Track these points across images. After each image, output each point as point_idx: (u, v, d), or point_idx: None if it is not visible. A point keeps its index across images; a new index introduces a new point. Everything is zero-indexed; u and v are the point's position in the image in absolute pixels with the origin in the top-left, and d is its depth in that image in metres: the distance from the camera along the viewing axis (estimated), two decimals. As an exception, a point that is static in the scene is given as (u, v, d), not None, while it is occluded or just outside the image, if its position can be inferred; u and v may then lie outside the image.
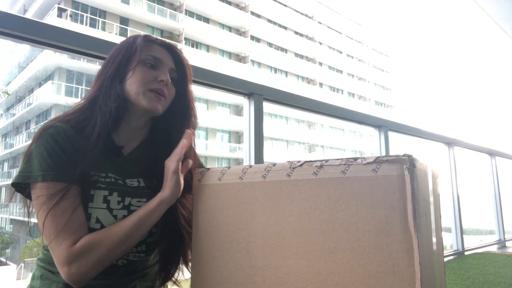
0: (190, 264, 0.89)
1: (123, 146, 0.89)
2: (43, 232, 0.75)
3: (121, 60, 0.87)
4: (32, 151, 0.77)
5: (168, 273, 0.93)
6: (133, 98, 0.85)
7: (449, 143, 3.63)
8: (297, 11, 29.79)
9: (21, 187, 0.79)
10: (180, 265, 0.94)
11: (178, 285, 0.95)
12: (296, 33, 29.90)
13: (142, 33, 0.95)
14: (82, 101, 0.87)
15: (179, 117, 0.92)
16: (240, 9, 25.86)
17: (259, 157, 1.80)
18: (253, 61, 26.23)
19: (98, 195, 0.80)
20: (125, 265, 0.84)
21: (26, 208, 0.83)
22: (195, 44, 23.64)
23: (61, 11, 18.76)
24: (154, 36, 0.93)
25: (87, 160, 0.79)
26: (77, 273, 0.72)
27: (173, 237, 0.90)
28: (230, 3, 25.58)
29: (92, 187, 0.80)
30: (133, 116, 0.88)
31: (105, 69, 0.88)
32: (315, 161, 0.70)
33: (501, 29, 4.24)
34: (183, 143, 0.84)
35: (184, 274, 0.94)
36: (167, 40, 0.94)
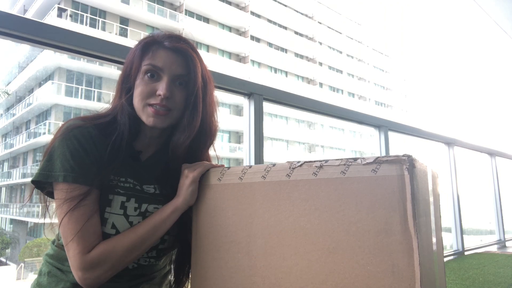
0: None
1: (141, 151, 0.89)
2: (61, 232, 0.76)
3: (124, 72, 0.86)
4: (54, 150, 0.77)
5: (179, 282, 0.94)
6: (137, 113, 0.84)
7: (449, 143, 3.63)
8: (297, 11, 29.78)
9: (41, 185, 0.79)
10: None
11: None
12: (296, 33, 29.89)
13: (158, 33, 0.87)
14: (109, 110, 0.87)
15: (192, 125, 0.85)
16: (240, 9, 25.85)
17: (259, 157, 1.80)
18: (253, 61, 26.23)
19: (116, 200, 0.80)
20: (135, 269, 0.84)
21: (44, 207, 0.82)
22: (195, 44, 23.58)
23: (61, 11, 18.76)
24: (162, 35, 0.85)
25: (109, 166, 0.79)
26: (91, 278, 0.73)
27: (183, 246, 0.90)
28: (230, 3, 25.57)
29: (111, 192, 0.80)
30: (146, 128, 0.87)
31: (118, 80, 0.87)
32: (314, 161, 0.70)
33: (501, 29, 4.24)
34: (214, 164, 0.84)
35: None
36: (178, 40, 0.85)
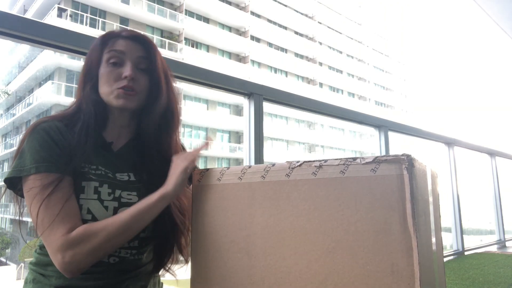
0: (184, 251, 0.90)
1: (113, 142, 0.90)
2: (37, 223, 0.75)
3: (86, 65, 0.89)
4: (24, 147, 0.78)
5: (161, 261, 0.92)
6: (106, 99, 0.86)
7: (449, 143, 3.63)
8: (297, 11, 29.79)
9: (13, 183, 0.79)
10: (174, 256, 0.93)
11: (171, 273, 0.94)
12: (296, 33, 29.90)
13: (115, 29, 0.94)
14: (73, 105, 0.89)
15: (158, 107, 0.88)
16: (240, 9, 25.86)
17: (259, 157, 1.80)
18: (253, 61, 26.24)
19: (89, 186, 0.80)
20: (117, 263, 0.83)
21: (17, 206, 0.82)
22: (195, 44, 23.64)
23: (61, 11, 18.77)
24: (119, 30, 0.92)
25: (79, 152, 0.80)
26: (70, 261, 0.72)
27: (167, 226, 0.89)
28: (230, 3, 25.58)
29: (83, 179, 0.80)
30: (115, 115, 0.89)
31: (80, 75, 0.90)
32: (314, 161, 0.70)
33: (501, 29, 4.24)
34: (200, 146, 0.85)
35: (178, 261, 0.93)
36: (133, 30, 0.92)
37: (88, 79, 0.87)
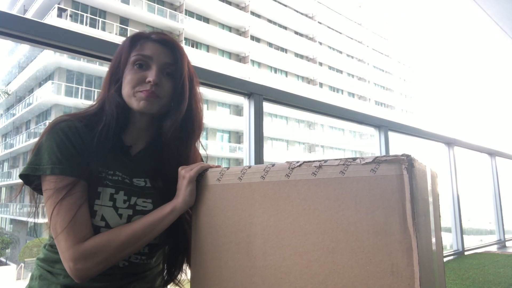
0: None
1: (131, 146, 0.89)
2: (50, 224, 0.76)
3: (113, 66, 0.88)
4: (42, 144, 0.78)
5: (171, 275, 0.94)
6: (127, 101, 0.86)
7: (449, 143, 3.63)
8: (297, 11, 29.78)
9: (29, 179, 0.79)
10: (184, 267, 0.94)
11: (180, 286, 0.95)
12: (296, 33, 29.89)
13: (145, 30, 0.92)
14: (95, 103, 0.89)
15: (179, 114, 0.87)
16: (240, 9, 25.85)
17: (259, 157, 1.80)
18: (253, 61, 26.23)
19: (105, 192, 0.80)
20: (126, 267, 0.84)
21: (33, 201, 0.83)
22: (195, 44, 23.63)
23: (61, 11, 18.76)
24: (149, 31, 0.90)
25: (96, 156, 0.80)
26: (82, 269, 0.73)
27: (178, 240, 0.90)
28: (230, 3, 25.57)
29: (100, 184, 0.80)
30: (136, 118, 0.89)
31: (107, 74, 0.89)
32: (314, 161, 0.70)
33: (501, 29, 4.24)
34: (207, 164, 0.85)
35: (187, 275, 0.94)
36: (165, 34, 0.89)
37: (114, 80, 0.87)
